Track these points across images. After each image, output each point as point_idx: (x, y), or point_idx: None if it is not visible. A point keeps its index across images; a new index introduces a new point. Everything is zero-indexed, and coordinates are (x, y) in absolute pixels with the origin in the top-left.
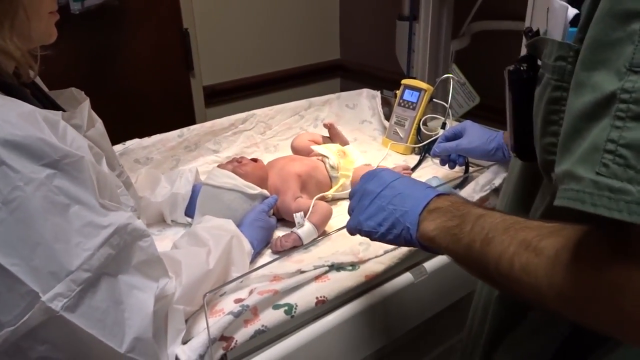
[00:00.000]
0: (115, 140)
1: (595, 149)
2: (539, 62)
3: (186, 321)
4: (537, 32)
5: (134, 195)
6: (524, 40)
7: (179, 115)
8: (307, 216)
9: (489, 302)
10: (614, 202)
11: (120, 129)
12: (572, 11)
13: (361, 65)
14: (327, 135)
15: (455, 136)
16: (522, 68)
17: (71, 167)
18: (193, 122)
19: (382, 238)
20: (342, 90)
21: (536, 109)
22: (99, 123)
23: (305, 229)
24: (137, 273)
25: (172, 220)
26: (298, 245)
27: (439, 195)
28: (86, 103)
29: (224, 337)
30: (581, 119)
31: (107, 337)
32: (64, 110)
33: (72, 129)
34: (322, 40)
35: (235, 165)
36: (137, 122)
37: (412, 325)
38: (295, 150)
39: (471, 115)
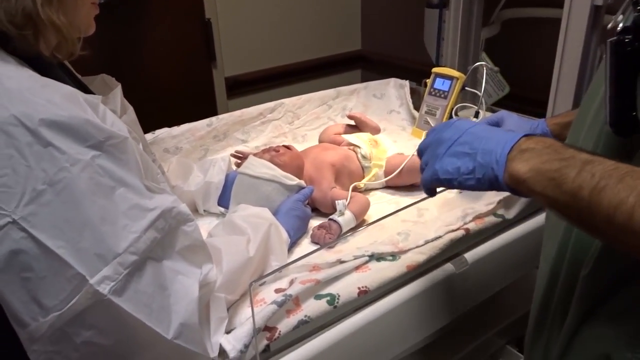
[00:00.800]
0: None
1: None
2: None
3: (227, 310)
4: None
5: (166, 183)
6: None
7: (200, 106)
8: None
9: (575, 280)
10: None
11: (142, 120)
12: None
13: (383, 55)
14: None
15: (491, 126)
16: (626, 40)
17: (115, 148)
18: (215, 114)
19: (462, 184)
20: (363, 81)
21: None
22: (131, 110)
23: (346, 218)
24: (181, 259)
25: (204, 210)
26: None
27: (528, 136)
28: (118, 89)
29: (267, 328)
30: None
31: (154, 322)
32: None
33: (111, 112)
34: (343, 30)
35: (273, 154)
36: (159, 113)
37: (454, 315)
38: (323, 138)
39: (499, 105)
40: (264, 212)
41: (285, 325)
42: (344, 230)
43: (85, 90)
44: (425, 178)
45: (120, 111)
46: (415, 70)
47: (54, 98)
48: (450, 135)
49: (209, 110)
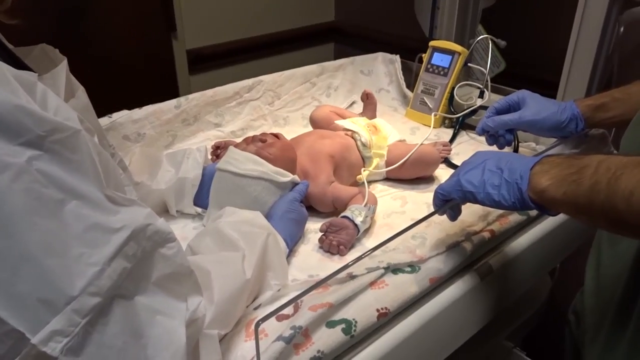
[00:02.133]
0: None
1: None
2: None
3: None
4: None
5: (128, 182)
6: None
7: (159, 83)
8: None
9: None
10: None
11: (95, 96)
12: None
13: (359, 27)
14: (346, 107)
15: (510, 108)
16: None
17: (62, 145)
18: (175, 91)
19: (486, 198)
20: (337, 56)
21: None
22: (81, 91)
23: (366, 225)
24: (160, 292)
25: (177, 211)
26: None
27: (548, 156)
28: (63, 64)
29: None
30: None
31: None
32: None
33: (54, 95)
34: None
35: (260, 146)
36: (111, 92)
37: (478, 327)
38: (316, 122)
39: (493, 82)
40: (257, 218)
41: None
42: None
43: (19, 65)
44: (443, 187)
45: (65, 93)
46: (397, 45)
47: None
48: (475, 159)
49: (169, 88)
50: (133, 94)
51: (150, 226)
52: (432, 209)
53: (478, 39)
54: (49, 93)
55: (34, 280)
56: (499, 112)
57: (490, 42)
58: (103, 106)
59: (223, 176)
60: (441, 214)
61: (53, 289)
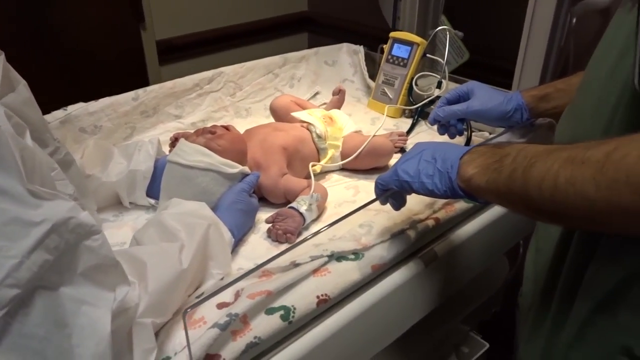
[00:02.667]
0: (52, 106)
1: None
2: None
3: (157, 333)
4: None
5: (76, 175)
6: None
7: (129, 75)
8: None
9: (584, 266)
10: None
11: (59, 90)
12: None
13: (332, 18)
14: (309, 98)
15: (460, 99)
16: None
17: None
18: (146, 82)
19: (420, 187)
20: (310, 46)
21: None
22: (22, 86)
23: (313, 215)
24: (87, 282)
25: (130, 203)
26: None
27: (478, 145)
28: (0, 59)
29: (208, 356)
30: None
31: None
32: None
33: None
34: None
35: (209, 137)
36: (79, 83)
37: (424, 313)
38: (276, 111)
39: (458, 73)
40: (201, 209)
41: (230, 351)
42: (305, 224)
43: None
44: (382, 177)
45: (3, 88)
46: (369, 35)
47: None
48: (412, 153)
49: (138, 79)
50: (102, 86)
51: (73, 219)
52: None
53: (435, 30)
54: None
55: None
56: (450, 102)
57: (448, 33)
58: (72, 98)
59: (173, 168)
60: (383, 203)
61: None
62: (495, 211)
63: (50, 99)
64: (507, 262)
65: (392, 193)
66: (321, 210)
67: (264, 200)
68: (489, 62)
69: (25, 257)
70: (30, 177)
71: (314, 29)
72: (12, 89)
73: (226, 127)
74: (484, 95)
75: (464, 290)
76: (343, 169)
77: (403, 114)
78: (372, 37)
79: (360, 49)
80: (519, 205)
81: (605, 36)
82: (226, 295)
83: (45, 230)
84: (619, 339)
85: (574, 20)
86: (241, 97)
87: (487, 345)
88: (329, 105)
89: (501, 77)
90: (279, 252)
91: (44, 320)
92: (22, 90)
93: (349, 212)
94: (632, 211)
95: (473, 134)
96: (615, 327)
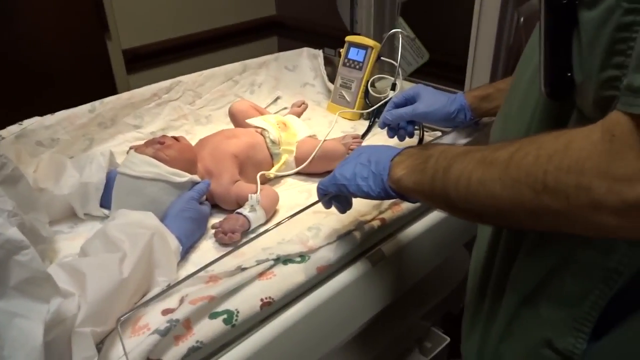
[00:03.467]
0: (15, 120)
1: None
2: None
3: (102, 342)
4: None
5: (25, 190)
6: None
7: (96, 84)
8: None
9: (511, 263)
10: None
11: (24, 104)
12: None
13: (301, 21)
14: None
15: (407, 102)
16: None
17: None
18: (114, 92)
19: (357, 189)
20: (281, 50)
21: (590, 39)
22: None
23: (258, 215)
24: (18, 295)
25: (85, 214)
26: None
27: (409, 147)
28: None
29: None
30: None
31: None
32: None
33: None
34: None
35: (157, 148)
36: (47, 95)
37: (374, 312)
38: (234, 115)
39: (420, 73)
40: (146, 219)
41: (172, 355)
42: (252, 227)
43: None
44: (322, 182)
45: None
46: (337, 38)
47: None
48: (352, 154)
49: (107, 89)
50: (70, 99)
51: (1, 235)
52: None
53: (388, 33)
54: None
55: None
56: (397, 106)
57: (400, 35)
58: (36, 111)
59: (122, 179)
60: (327, 207)
61: None
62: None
63: (12, 112)
64: (470, 256)
65: (335, 197)
66: (270, 212)
67: (217, 208)
68: (446, 60)
69: None
70: None
71: (283, 33)
72: None
73: (176, 138)
74: (429, 98)
75: (422, 286)
76: (298, 173)
77: (361, 116)
78: (341, 41)
79: (319, 53)
80: (441, 203)
81: (532, 37)
82: (172, 302)
83: None
84: (541, 331)
85: (522, 20)
86: (201, 104)
87: (449, 340)
88: (289, 113)
89: (459, 74)
90: (231, 260)
91: None
92: None
93: (292, 214)
94: (532, 208)
95: (426, 133)
96: (538, 321)
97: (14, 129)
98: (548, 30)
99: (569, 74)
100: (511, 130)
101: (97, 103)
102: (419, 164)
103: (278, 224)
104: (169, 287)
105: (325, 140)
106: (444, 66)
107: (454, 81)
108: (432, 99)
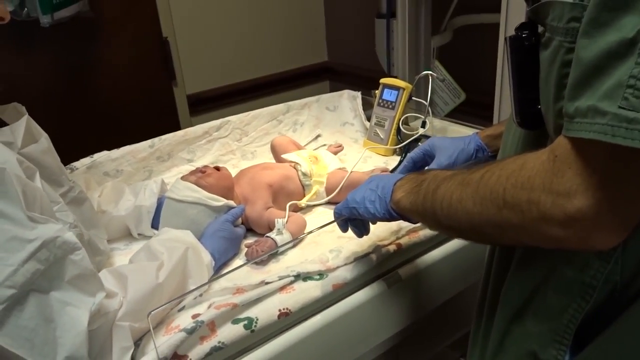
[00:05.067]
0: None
1: (619, 85)
2: (541, 28)
3: (141, 339)
4: None
5: (88, 210)
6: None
7: (163, 126)
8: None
9: (502, 281)
10: (629, 132)
11: (103, 142)
12: None
13: (349, 66)
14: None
15: (425, 155)
16: (523, 35)
17: None
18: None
19: (365, 212)
20: (332, 92)
21: (546, 75)
22: (44, 138)
23: (284, 238)
24: (71, 288)
25: (138, 234)
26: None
27: (410, 173)
28: (23, 119)
29: (177, 356)
30: (607, 57)
31: (36, 357)
32: (5, 124)
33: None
34: (309, 42)
35: (199, 176)
36: (120, 134)
37: (389, 334)
38: (274, 147)
39: (457, 112)
40: (184, 236)
41: (197, 352)
42: (279, 249)
43: None
44: (337, 206)
45: (24, 140)
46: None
47: None
48: (365, 182)
49: (172, 129)
50: (140, 137)
51: (59, 238)
52: None
53: (419, 75)
54: None
55: None
56: (415, 161)
57: (430, 77)
58: (111, 147)
59: (169, 203)
60: (344, 231)
61: None
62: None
63: (90, 149)
64: None
65: (352, 221)
66: (297, 235)
67: (252, 231)
68: (484, 100)
69: (20, 265)
70: (31, 207)
71: (333, 77)
72: (34, 141)
73: (217, 168)
74: (447, 147)
75: (447, 314)
76: (328, 203)
77: (394, 152)
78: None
79: (358, 94)
80: (431, 222)
81: None
82: (201, 308)
83: (37, 246)
84: (528, 344)
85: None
86: (247, 141)
87: None
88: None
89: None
90: (255, 274)
91: (35, 315)
92: (43, 142)
93: (309, 231)
94: (497, 222)
95: None
96: (525, 335)
97: (85, 161)
98: (514, 69)
99: (539, 107)
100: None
101: (156, 140)
102: (415, 186)
103: (300, 239)
104: (197, 288)
105: (353, 171)
106: (480, 106)
107: (489, 119)
108: (451, 147)
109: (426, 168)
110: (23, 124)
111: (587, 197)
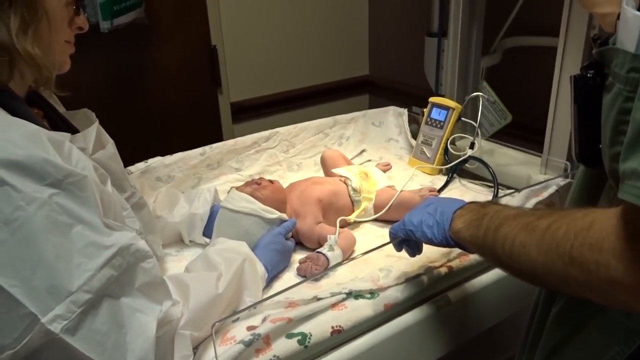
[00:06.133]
0: (141, 157)
1: None
2: (606, 69)
3: (197, 347)
4: (607, 40)
5: (147, 215)
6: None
7: (206, 131)
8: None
9: (546, 316)
10: None
11: (148, 144)
12: None
13: (391, 81)
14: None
15: None
16: (588, 75)
17: (74, 186)
18: (220, 139)
19: (422, 235)
20: (371, 106)
21: (605, 117)
22: (110, 144)
23: (335, 253)
24: (140, 295)
25: (190, 241)
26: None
27: (471, 202)
28: (94, 126)
29: None
30: None
31: None
32: (77, 130)
33: (77, 149)
34: (351, 56)
35: (255, 187)
36: (165, 137)
37: (437, 356)
38: (324, 160)
39: (502, 134)
40: (240, 247)
41: None
42: (331, 265)
43: (67, 125)
44: (393, 226)
45: (94, 147)
46: (423, 97)
47: (14, 137)
48: (422, 204)
49: (214, 135)
50: (183, 141)
51: (133, 245)
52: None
53: (469, 96)
54: (74, 149)
55: (45, 278)
56: None
57: (481, 98)
58: (156, 150)
59: (223, 212)
60: (398, 250)
61: (58, 285)
62: None
63: (137, 151)
64: None
65: (406, 241)
66: (347, 252)
67: (301, 245)
68: (531, 123)
69: (97, 271)
70: (106, 213)
71: (374, 91)
72: (102, 147)
73: (271, 181)
74: None
75: (495, 340)
76: (376, 220)
77: (440, 172)
78: (426, 100)
79: (404, 111)
80: (490, 258)
81: None
82: (255, 320)
83: (113, 252)
84: None
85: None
86: (294, 153)
87: None
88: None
89: (540, 137)
90: (305, 288)
91: (107, 320)
92: (110, 148)
93: (365, 252)
94: (562, 276)
95: (500, 191)
96: None
97: (140, 165)
98: (577, 107)
99: (600, 145)
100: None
101: (207, 148)
102: (476, 219)
103: (351, 259)
104: (257, 303)
105: (402, 190)
106: (526, 128)
107: (535, 142)
108: None
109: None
110: (94, 130)
111: None
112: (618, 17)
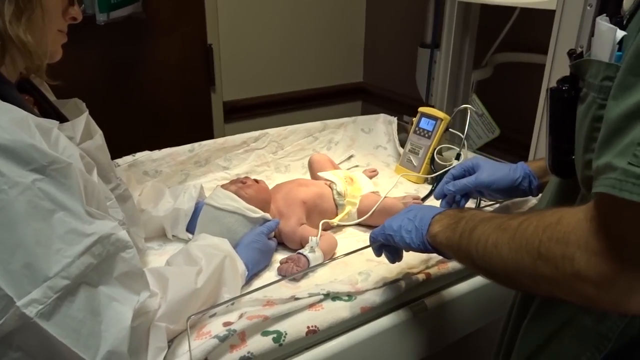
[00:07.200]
0: (130, 150)
1: (632, 143)
2: (581, 83)
3: (172, 340)
4: (581, 54)
5: (131, 208)
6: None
7: (197, 129)
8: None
9: (518, 328)
10: (637, 187)
11: (138, 138)
12: (620, 33)
13: (383, 89)
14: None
15: (465, 173)
16: (563, 87)
17: (58, 173)
18: (211, 137)
19: (400, 240)
20: (364, 113)
21: (579, 126)
22: (99, 135)
23: (316, 256)
24: (118, 285)
25: (173, 236)
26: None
27: (453, 208)
28: (83, 116)
29: None
30: (626, 118)
31: (80, 348)
32: (67, 119)
33: (64, 137)
34: (346, 62)
35: (239, 186)
36: (156, 133)
37: (416, 358)
38: (312, 163)
39: (490, 147)
40: (222, 244)
41: None
42: (311, 267)
43: (57, 113)
44: (374, 231)
45: (82, 137)
46: (415, 106)
47: (1, 121)
48: (403, 210)
49: (205, 133)
50: (174, 137)
51: (114, 235)
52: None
53: (458, 108)
54: (61, 137)
55: (23, 262)
56: (455, 177)
57: (469, 111)
58: (146, 144)
59: (207, 209)
60: (377, 255)
61: (36, 269)
62: None
63: (128, 145)
64: None
65: (386, 246)
66: (328, 255)
67: (283, 245)
68: (519, 138)
69: (77, 258)
70: (89, 202)
71: (367, 98)
72: (90, 137)
73: (256, 180)
74: (490, 167)
75: (468, 348)
76: (359, 224)
77: (425, 181)
78: (416, 109)
79: (394, 119)
80: (466, 261)
81: None
82: (232, 317)
83: (93, 240)
84: None
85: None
86: (282, 155)
87: None
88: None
89: (526, 152)
90: (284, 288)
91: (84, 307)
92: (98, 139)
93: (344, 254)
94: (530, 273)
95: (483, 203)
96: None
97: (128, 158)
98: (551, 119)
99: (573, 157)
100: (542, 201)
101: (196, 145)
102: (452, 223)
103: (332, 259)
104: (234, 298)
105: (386, 196)
106: (514, 143)
107: (522, 157)
108: (493, 168)
109: (462, 180)
110: (83, 120)
111: (616, 259)
112: (592, 34)
